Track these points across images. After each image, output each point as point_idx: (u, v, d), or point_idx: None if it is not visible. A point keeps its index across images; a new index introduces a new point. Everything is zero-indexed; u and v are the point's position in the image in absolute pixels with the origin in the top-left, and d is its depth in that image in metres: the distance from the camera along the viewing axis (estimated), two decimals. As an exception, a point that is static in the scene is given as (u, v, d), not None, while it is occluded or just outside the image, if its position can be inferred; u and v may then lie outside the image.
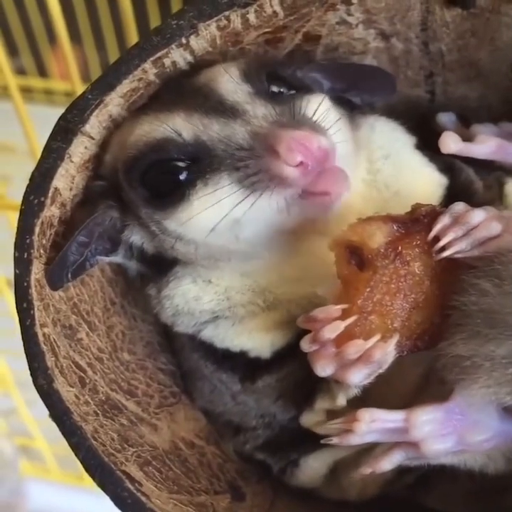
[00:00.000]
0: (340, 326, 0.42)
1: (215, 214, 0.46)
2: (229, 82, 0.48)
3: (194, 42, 0.48)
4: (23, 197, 0.47)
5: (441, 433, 0.44)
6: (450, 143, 0.51)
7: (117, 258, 0.52)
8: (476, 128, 0.57)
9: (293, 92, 0.49)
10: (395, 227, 0.44)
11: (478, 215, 0.44)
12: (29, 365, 0.46)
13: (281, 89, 0.49)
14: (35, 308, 0.46)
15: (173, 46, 0.47)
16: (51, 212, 0.48)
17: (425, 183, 0.53)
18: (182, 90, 0.49)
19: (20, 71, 1.45)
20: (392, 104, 0.57)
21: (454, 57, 0.56)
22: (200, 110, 0.47)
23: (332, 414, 0.48)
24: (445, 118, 0.59)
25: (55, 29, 0.69)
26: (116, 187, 0.50)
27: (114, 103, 0.48)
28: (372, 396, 0.46)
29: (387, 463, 0.46)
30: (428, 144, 0.55)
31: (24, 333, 0.47)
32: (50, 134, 0.47)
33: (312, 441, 0.49)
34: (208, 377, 0.56)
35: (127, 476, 0.45)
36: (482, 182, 0.55)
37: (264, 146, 0.44)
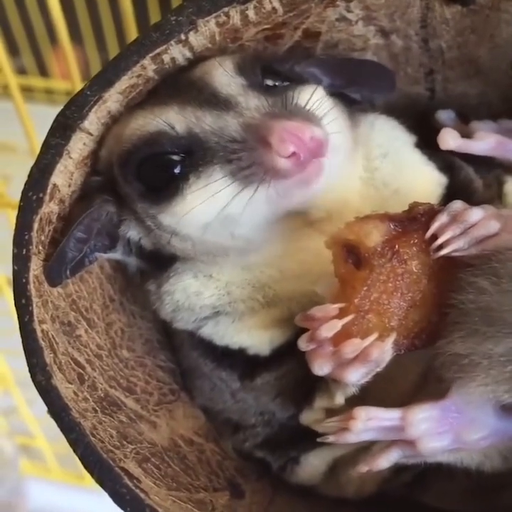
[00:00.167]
0: (338, 324, 0.42)
1: (209, 208, 0.46)
2: (223, 75, 0.48)
3: (193, 38, 0.48)
4: (22, 193, 0.47)
5: (437, 431, 0.44)
6: (449, 139, 0.51)
7: (116, 254, 0.52)
8: (475, 125, 0.57)
9: (287, 84, 0.49)
10: (392, 226, 0.44)
11: (476, 214, 0.44)
12: (27, 362, 0.46)
13: (276, 83, 0.49)
14: (34, 305, 0.46)
15: (172, 42, 0.47)
16: (50, 208, 0.48)
17: (425, 181, 0.53)
18: (178, 84, 0.49)
19: (21, 70, 1.45)
20: (392, 101, 0.57)
21: (454, 55, 0.56)
22: (194, 103, 0.47)
23: (331, 412, 0.48)
24: (444, 115, 0.59)
25: (56, 29, 0.69)
26: (112, 182, 0.50)
27: (112, 99, 0.48)
28: (371, 395, 0.46)
29: (384, 461, 0.46)
30: (428, 143, 0.55)
31: (22, 329, 0.46)
32: (49, 131, 0.47)
33: (312, 439, 0.49)
34: (208, 375, 0.56)
35: (126, 473, 0.45)
36: (481, 181, 0.54)
37: (257, 137, 0.44)
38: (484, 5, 0.51)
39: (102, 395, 0.50)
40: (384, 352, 0.42)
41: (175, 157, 0.47)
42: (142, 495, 0.45)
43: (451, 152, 0.52)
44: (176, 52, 0.48)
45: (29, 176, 0.47)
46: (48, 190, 0.47)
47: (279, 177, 0.44)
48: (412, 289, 0.43)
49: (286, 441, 0.55)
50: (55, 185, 0.47)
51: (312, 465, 0.55)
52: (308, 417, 0.51)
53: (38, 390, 0.46)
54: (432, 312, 0.44)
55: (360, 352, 0.42)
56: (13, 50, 1.41)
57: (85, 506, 1.18)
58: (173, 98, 0.48)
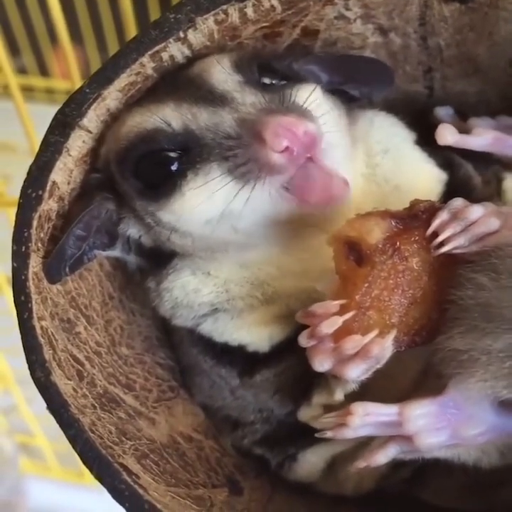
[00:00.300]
0: (338, 321, 0.42)
1: (209, 205, 0.46)
2: (220, 72, 0.48)
3: (192, 36, 0.48)
4: (21, 190, 0.47)
5: (435, 427, 0.44)
6: (447, 134, 0.51)
7: (115, 252, 0.52)
8: (473, 121, 0.57)
9: (284, 82, 0.49)
10: (393, 223, 0.44)
11: (476, 211, 0.44)
12: (27, 358, 0.46)
13: (273, 81, 0.49)
14: (33, 302, 0.46)
15: (170, 40, 0.47)
16: (49, 205, 0.48)
17: (424, 178, 0.53)
18: (175, 82, 0.49)
19: (21, 70, 1.46)
20: (391, 99, 0.57)
21: (453, 53, 0.56)
22: (190, 100, 0.47)
23: (329, 409, 0.49)
24: (442, 112, 0.59)
25: (56, 29, 0.69)
26: (111, 179, 0.50)
27: (112, 97, 0.48)
28: (370, 391, 0.46)
29: (382, 456, 0.46)
30: (427, 140, 0.55)
31: (22, 326, 0.47)
32: (48, 128, 0.47)
33: (310, 436, 0.49)
34: (207, 372, 0.56)
35: (125, 469, 0.45)
36: (481, 177, 0.54)
37: (251, 133, 0.44)
38: (483, 3, 0.51)
39: (101, 391, 0.50)
40: (384, 349, 0.42)
41: (172, 154, 0.47)
42: (141, 491, 0.45)
43: (451, 149, 0.52)
44: (175, 50, 0.48)
45: (28, 174, 0.47)
46: (47, 188, 0.47)
47: (274, 172, 0.44)
48: (413, 286, 0.44)
49: (284, 438, 0.55)
50: (54, 182, 0.48)
51: (310, 462, 0.55)
52: (305, 414, 0.51)
53: (37, 387, 0.46)
54: (432, 309, 0.44)
55: (360, 348, 0.43)
56: (13, 50, 1.42)
57: (85, 504, 1.18)
58: (169, 95, 0.48)
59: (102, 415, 0.48)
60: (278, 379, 0.52)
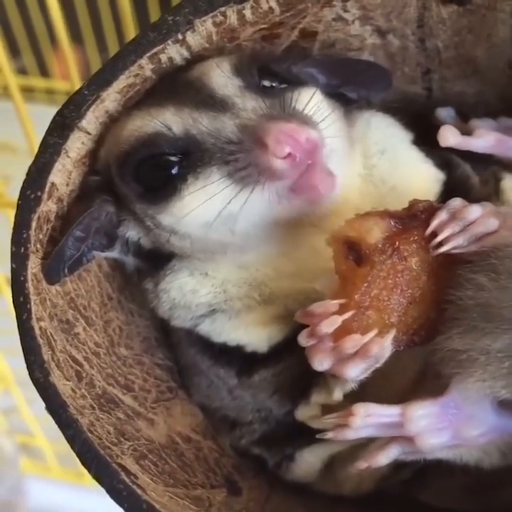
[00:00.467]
0: (338, 320, 0.43)
1: (208, 208, 0.46)
2: (220, 76, 0.49)
3: (190, 38, 0.48)
4: (20, 192, 0.47)
5: (436, 427, 0.45)
6: (449, 136, 0.51)
7: (114, 253, 0.53)
8: (475, 122, 0.57)
9: (284, 86, 0.50)
10: (392, 223, 0.44)
11: (475, 211, 0.44)
12: (25, 359, 0.47)
13: (273, 84, 0.50)
14: (32, 302, 0.47)
15: (169, 42, 0.47)
16: (48, 207, 0.48)
17: (422, 178, 0.53)
18: (175, 85, 0.49)
19: (21, 71, 1.46)
20: (390, 101, 0.57)
21: (451, 54, 0.56)
22: (191, 104, 0.47)
23: (327, 408, 0.49)
24: (444, 113, 0.59)
25: (56, 31, 0.69)
26: (110, 182, 0.50)
27: (110, 99, 0.48)
28: (369, 391, 0.46)
29: (383, 457, 0.46)
30: (425, 141, 0.55)
31: (20, 326, 0.47)
32: (47, 130, 0.47)
33: (307, 436, 0.49)
34: (205, 373, 0.56)
35: (123, 469, 0.46)
36: (478, 177, 0.55)
37: (253, 138, 0.44)
38: (481, 4, 0.51)
39: (99, 392, 0.50)
40: (384, 348, 0.43)
41: (172, 158, 0.47)
42: (139, 491, 0.45)
43: (449, 149, 0.52)
44: (174, 52, 0.48)
45: (27, 175, 0.47)
46: (46, 189, 0.47)
47: (275, 178, 0.45)
48: (412, 286, 0.44)
49: (282, 438, 0.55)
50: (53, 184, 0.48)
51: (307, 462, 0.55)
52: (303, 413, 0.51)
53: (36, 387, 0.46)
54: (431, 309, 0.44)
55: (360, 348, 0.43)
56: (14, 51, 1.42)
57: (85, 505, 1.18)
58: (170, 99, 0.48)
59: (101, 416, 0.48)
60: (276, 379, 0.52)
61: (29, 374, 0.47)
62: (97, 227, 0.50)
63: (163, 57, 0.48)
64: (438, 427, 0.45)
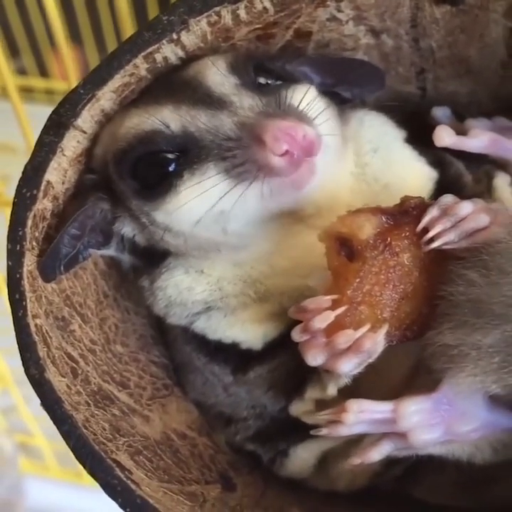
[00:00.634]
0: (331, 315, 0.43)
1: (202, 204, 0.46)
2: (216, 74, 0.49)
3: (185, 37, 0.48)
4: (16, 190, 0.48)
5: (429, 423, 0.45)
6: (444, 136, 0.51)
7: (110, 251, 0.53)
8: (470, 122, 0.57)
9: (279, 82, 0.50)
10: (384, 219, 0.44)
11: (466, 207, 0.44)
12: (21, 355, 0.47)
13: (269, 81, 0.50)
14: (28, 300, 0.47)
15: (164, 41, 0.48)
16: (43, 205, 0.48)
17: (415, 176, 0.54)
18: (171, 83, 0.50)
19: (21, 71, 1.46)
20: (384, 100, 0.58)
21: (445, 54, 0.56)
22: (188, 102, 0.48)
23: (321, 404, 0.49)
24: (440, 112, 0.59)
25: (54, 31, 0.69)
26: (106, 179, 0.51)
27: (106, 97, 0.48)
28: (363, 387, 0.47)
29: (376, 453, 0.46)
30: (418, 139, 0.55)
31: (16, 324, 0.47)
32: (43, 128, 0.48)
33: (301, 432, 0.49)
34: (200, 370, 0.56)
35: (117, 465, 0.46)
36: (471, 176, 0.55)
37: (251, 136, 0.45)
38: (473, 5, 0.51)
39: (95, 388, 0.50)
40: (376, 343, 0.43)
41: (170, 155, 0.48)
42: (133, 486, 0.45)
43: (443, 148, 0.52)
44: (169, 52, 0.49)
45: (23, 173, 0.48)
46: (42, 187, 0.48)
47: (272, 175, 0.45)
48: (404, 281, 0.44)
49: (276, 433, 0.55)
50: (48, 182, 0.48)
51: (301, 458, 0.55)
52: (297, 409, 0.51)
53: (32, 383, 0.47)
54: (423, 304, 0.44)
55: (352, 343, 0.43)
56: (13, 51, 1.42)
57: (84, 504, 1.18)
58: (167, 97, 0.49)
59: (96, 412, 0.49)
60: (271, 375, 0.52)
61: (25, 371, 0.47)
62: (93, 224, 0.51)
63: (158, 57, 0.49)
64: (430, 423, 0.45)
